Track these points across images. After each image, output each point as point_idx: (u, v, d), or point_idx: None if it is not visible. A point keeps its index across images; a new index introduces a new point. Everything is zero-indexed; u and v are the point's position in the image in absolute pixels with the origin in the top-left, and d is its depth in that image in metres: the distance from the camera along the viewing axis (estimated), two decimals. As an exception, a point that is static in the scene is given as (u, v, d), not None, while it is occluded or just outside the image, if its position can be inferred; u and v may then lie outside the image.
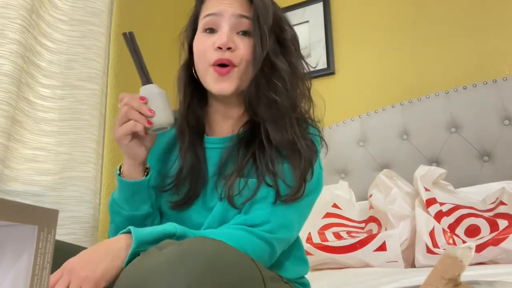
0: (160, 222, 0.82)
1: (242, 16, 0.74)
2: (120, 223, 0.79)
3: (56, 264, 0.62)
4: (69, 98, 1.34)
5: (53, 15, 1.35)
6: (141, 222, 0.78)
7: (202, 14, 0.77)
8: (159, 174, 0.84)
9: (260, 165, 0.73)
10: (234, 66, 0.74)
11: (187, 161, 0.79)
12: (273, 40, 0.73)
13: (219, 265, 0.49)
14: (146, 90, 0.74)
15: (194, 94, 0.83)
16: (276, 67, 0.74)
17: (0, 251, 0.33)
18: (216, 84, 0.75)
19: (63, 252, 0.62)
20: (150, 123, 0.71)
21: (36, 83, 1.26)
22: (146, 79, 0.76)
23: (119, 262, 0.59)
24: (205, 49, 0.75)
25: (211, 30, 0.76)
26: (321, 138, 0.81)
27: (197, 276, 0.46)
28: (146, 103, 0.71)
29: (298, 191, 0.72)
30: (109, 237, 0.77)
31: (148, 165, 0.80)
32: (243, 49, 0.74)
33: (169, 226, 0.64)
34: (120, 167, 0.78)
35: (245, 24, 0.75)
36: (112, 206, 0.80)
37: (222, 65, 0.74)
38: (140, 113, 0.70)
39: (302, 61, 0.79)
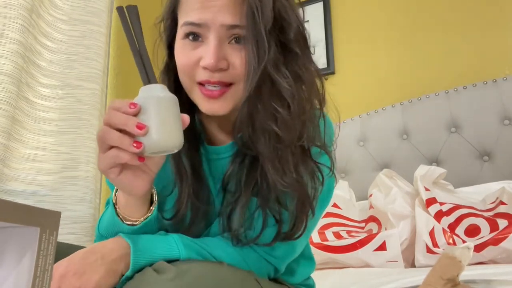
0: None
1: (233, 27, 0.56)
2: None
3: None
4: (69, 97, 1.34)
5: (53, 14, 1.35)
6: None
7: (181, 16, 0.59)
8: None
9: (262, 188, 0.60)
10: (229, 84, 0.59)
11: (185, 195, 0.64)
12: (273, 45, 0.55)
13: None
14: (144, 93, 0.51)
15: (182, 101, 0.58)
16: (276, 85, 0.56)
17: (2, 252, 0.33)
18: (205, 104, 0.59)
19: (65, 254, 0.61)
20: (139, 145, 0.48)
21: (36, 82, 1.26)
22: (147, 77, 0.53)
23: (114, 278, 0.53)
24: (190, 65, 0.58)
25: (195, 37, 0.58)
26: (332, 167, 0.63)
27: None
28: (137, 114, 0.49)
29: (297, 230, 0.61)
30: (97, 231, 0.65)
31: (154, 188, 0.61)
32: (239, 65, 0.57)
33: (173, 249, 0.56)
34: (116, 192, 0.60)
35: (238, 32, 0.57)
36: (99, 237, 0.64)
37: (210, 89, 0.58)
38: (125, 132, 0.49)
39: (313, 66, 0.61)
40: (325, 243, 1.44)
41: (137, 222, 0.59)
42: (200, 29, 0.57)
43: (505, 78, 1.61)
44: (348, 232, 1.52)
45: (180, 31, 0.59)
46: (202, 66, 0.57)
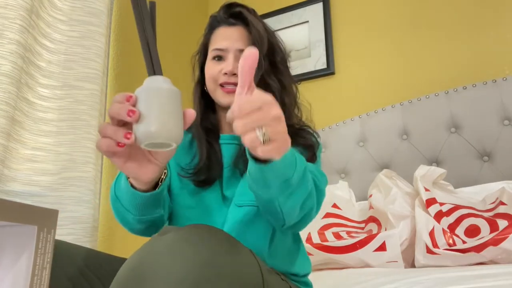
0: (171, 204, 0.86)
1: (243, 50, 0.83)
2: (128, 221, 0.73)
3: (56, 264, 0.62)
4: (68, 98, 1.34)
5: (53, 15, 1.35)
6: (151, 224, 0.74)
7: (211, 46, 0.90)
8: (178, 166, 0.87)
9: None
10: None
11: (205, 153, 0.86)
12: (267, 63, 0.86)
13: (216, 252, 0.50)
14: (147, 84, 0.52)
15: (207, 105, 0.94)
16: (269, 86, 0.86)
17: (0, 251, 0.33)
18: (225, 98, 0.86)
19: (63, 252, 0.61)
20: (129, 136, 0.50)
21: (35, 83, 1.26)
22: (153, 68, 0.54)
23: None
24: (215, 73, 0.87)
25: (219, 58, 0.88)
26: (315, 134, 0.90)
27: (194, 266, 0.46)
28: (133, 104, 0.51)
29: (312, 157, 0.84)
30: (114, 193, 0.73)
31: (165, 169, 0.69)
32: None
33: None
34: None
35: None
36: (115, 203, 0.72)
37: (229, 86, 0.86)
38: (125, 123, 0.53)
39: (291, 79, 0.92)
40: (325, 243, 1.44)
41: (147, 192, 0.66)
42: (223, 52, 0.87)
43: (505, 78, 1.61)
44: (348, 232, 1.52)
45: (210, 55, 0.89)
46: (223, 73, 0.85)
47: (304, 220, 0.73)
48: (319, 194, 0.75)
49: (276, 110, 0.51)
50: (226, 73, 0.85)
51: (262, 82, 0.85)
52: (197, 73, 0.95)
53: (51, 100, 1.30)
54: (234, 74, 0.85)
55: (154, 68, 0.54)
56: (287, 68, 0.93)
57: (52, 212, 0.35)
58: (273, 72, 0.88)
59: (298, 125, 0.90)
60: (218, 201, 0.85)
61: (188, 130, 0.90)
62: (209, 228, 0.54)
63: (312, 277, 0.93)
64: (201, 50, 0.95)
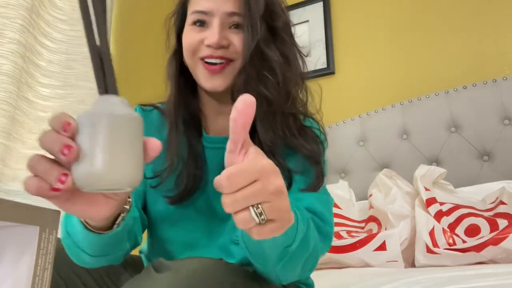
0: (150, 227, 0.74)
1: (233, 13, 0.68)
2: (84, 262, 0.60)
3: (58, 264, 0.62)
4: (69, 97, 1.34)
5: (53, 14, 1.35)
6: (115, 260, 0.62)
7: (191, 6, 0.71)
8: (152, 172, 0.72)
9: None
10: (230, 61, 0.68)
11: (181, 152, 0.69)
12: (264, 28, 0.67)
13: None
14: (96, 107, 0.38)
15: (186, 85, 0.74)
16: (267, 58, 0.67)
17: (2, 251, 0.33)
18: (208, 81, 0.68)
19: (65, 252, 0.61)
20: (64, 179, 0.36)
21: (36, 82, 1.26)
22: (104, 84, 0.40)
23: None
24: (194, 43, 0.68)
25: (201, 24, 0.69)
26: (321, 129, 0.74)
27: None
28: (73, 136, 0.36)
29: (318, 180, 0.66)
30: (64, 229, 0.59)
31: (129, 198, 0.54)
32: (237, 44, 0.68)
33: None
34: None
35: (237, 19, 0.68)
36: (66, 240, 0.57)
37: (213, 63, 0.68)
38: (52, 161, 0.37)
39: (297, 50, 0.73)
40: (325, 243, 1.44)
41: (105, 232, 0.53)
42: (206, 17, 0.68)
43: (505, 78, 1.61)
44: (348, 232, 1.52)
45: (189, 19, 0.70)
46: (206, 44, 0.67)
47: (306, 274, 0.63)
48: (323, 238, 0.64)
49: (277, 181, 0.41)
50: (209, 45, 0.67)
51: (258, 52, 0.67)
52: (173, 41, 0.75)
53: (51, 99, 1.31)
54: (222, 47, 0.67)
55: (106, 86, 0.40)
56: (291, 37, 0.73)
57: (54, 212, 0.35)
58: (273, 41, 0.69)
59: (303, 114, 0.73)
60: (200, 219, 0.71)
61: (166, 119, 0.73)
62: (209, 267, 0.50)
63: (312, 277, 0.93)
64: (179, 11, 0.75)
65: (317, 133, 0.73)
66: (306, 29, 2.15)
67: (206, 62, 0.68)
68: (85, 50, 1.39)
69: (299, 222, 0.52)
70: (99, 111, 0.37)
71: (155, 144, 0.40)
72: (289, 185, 0.66)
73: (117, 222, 0.52)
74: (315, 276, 0.85)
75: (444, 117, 1.69)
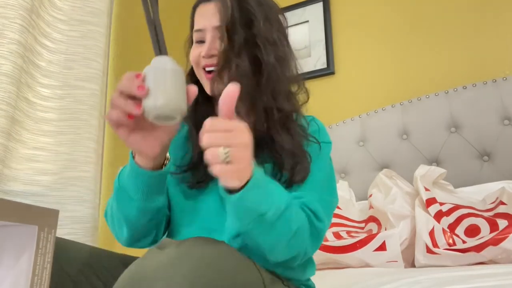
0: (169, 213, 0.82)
1: (220, 27, 0.78)
2: (130, 215, 0.71)
3: (58, 263, 0.62)
4: (68, 98, 1.34)
5: (53, 15, 1.35)
6: (155, 215, 0.73)
7: (194, 28, 0.84)
8: (173, 164, 0.81)
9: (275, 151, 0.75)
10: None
11: (197, 148, 0.77)
12: (241, 37, 0.75)
13: (218, 268, 0.49)
14: (154, 64, 0.57)
15: (201, 94, 0.82)
16: (238, 63, 0.75)
17: (1, 250, 0.33)
18: (208, 86, 0.80)
19: (65, 252, 0.61)
20: (138, 107, 0.55)
21: (35, 83, 1.26)
22: (159, 48, 0.61)
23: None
24: (195, 57, 0.81)
25: (201, 42, 0.81)
26: (318, 126, 0.82)
27: (194, 278, 0.46)
28: (143, 81, 0.56)
29: (300, 174, 0.74)
30: (106, 216, 0.78)
31: (167, 154, 0.71)
32: (219, 50, 0.77)
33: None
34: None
35: (222, 30, 0.78)
36: (119, 193, 0.71)
37: (210, 71, 0.79)
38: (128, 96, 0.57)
39: (289, 51, 0.81)
40: (325, 243, 1.44)
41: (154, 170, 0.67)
42: (202, 33, 0.80)
43: (505, 78, 1.61)
44: (348, 232, 1.52)
45: (194, 39, 0.82)
46: (202, 56, 0.78)
47: (295, 259, 0.68)
48: (314, 231, 0.69)
49: (247, 138, 0.54)
50: (204, 56, 0.78)
51: (235, 56, 0.75)
52: (189, 61, 0.87)
53: (51, 99, 1.30)
54: (212, 56, 0.78)
55: (160, 49, 0.60)
56: (283, 39, 0.81)
57: (53, 212, 0.35)
58: (253, 46, 0.76)
59: (295, 111, 0.80)
60: (215, 205, 0.77)
61: (184, 122, 0.84)
62: (210, 243, 0.53)
63: (312, 277, 0.93)
64: (190, 36, 0.87)
65: (312, 129, 0.81)
66: (306, 29, 2.16)
67: (206, 71, 0.79)
68: (85, 50, 1.39)
69: (276, 198, 0.61)
70: (157, 65, 0.56)
71: (194, 89, 0.59)
72: (274, 176, 0.73)
73: (164, 163, 0.69)
74: (315, 276, 0.85)
75: (444, 117, 1.69)
